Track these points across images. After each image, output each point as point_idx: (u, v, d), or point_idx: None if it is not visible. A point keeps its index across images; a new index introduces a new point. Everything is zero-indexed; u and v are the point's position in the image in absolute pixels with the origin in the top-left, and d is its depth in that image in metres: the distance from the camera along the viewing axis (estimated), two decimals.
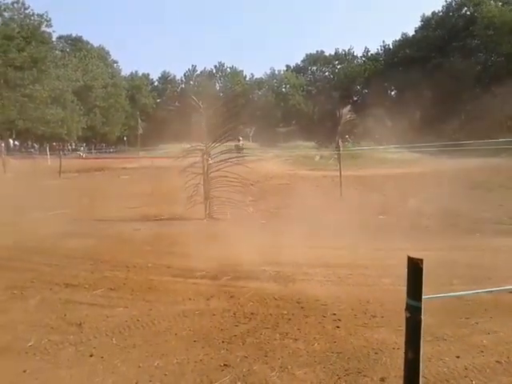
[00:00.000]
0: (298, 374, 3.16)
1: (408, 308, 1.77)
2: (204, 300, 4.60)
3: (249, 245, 6.96)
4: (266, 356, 3.42)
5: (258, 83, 64.71)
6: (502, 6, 43.63)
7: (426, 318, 3.84)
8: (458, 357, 3.31)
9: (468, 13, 46.61)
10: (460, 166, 17.84)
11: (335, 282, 5.08)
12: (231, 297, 4.65)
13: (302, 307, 4.35)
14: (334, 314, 4.14)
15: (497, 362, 3.24)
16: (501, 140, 19.72)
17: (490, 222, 8.32)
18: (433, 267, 5.31)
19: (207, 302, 4.54)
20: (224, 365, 3.30)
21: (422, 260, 1.74)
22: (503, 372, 3.11)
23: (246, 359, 3.38)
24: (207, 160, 9.65)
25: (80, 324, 4.09)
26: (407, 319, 1.78)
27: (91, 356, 3.52)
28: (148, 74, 70.05)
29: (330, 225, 8.49)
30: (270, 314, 4.20)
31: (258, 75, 66.64)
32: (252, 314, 4.21)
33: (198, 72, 69.61)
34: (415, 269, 1.75)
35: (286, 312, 4.23)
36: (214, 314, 4.23)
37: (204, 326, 4.00)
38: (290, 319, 4.08)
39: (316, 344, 3.59)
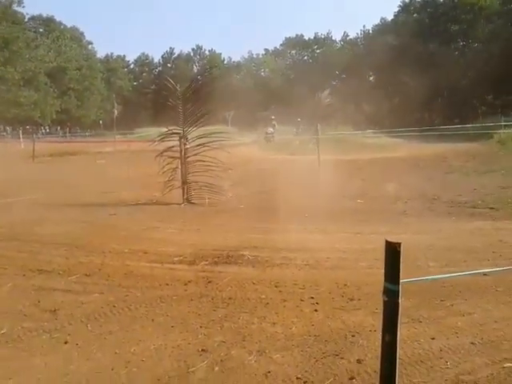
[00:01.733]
0: (275, 357, 3.15)
1: (386, 292, 1.76)
2: (181, 285, 4.55)
3: (227, 229, 6.94)
4: (243, 340, 3.41)
5: (237, 67, 64.13)
6: None
7: (403, 301, 3.88)
8: (433, 338, 3.35)
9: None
10: (437, 151, 18.12)
11: (313, 266, 5.09)
12: (209, 282, 4.62)
13: (280, 291, 4.34)
14: (312, 298, 4.14)
15: (471, 343, 3.29)
16: (475, 125, 20.05)
17: (465, 205, 8.46)
18: (410, 250, 5.44)
19: (185, 288, 4.50)
20: (202, 350, 3.28)
21: (400, 244, 1.72)
22: (477, 353, 3.16)
23: (224, 344, 3.36)
24: (184, 144, 9.52)
25: (54, 311, 4.00)
26: (385, 303, 1.77)
27: (66, 343, 3.44)
28: (124, 56, 68.68)
29: (309, 209, 8.53)
30: (248, 299, 4.18)
31: (236, 59, 66.13)
32: (230, 298, 4.19)
33: (176, 55, 68.61)
34: (393, 252, 1.73)
35: (264, 296, 4.22)
36: (191, 300, 4.19)
37: (181, 311, 3.96)
38: (268, 303, 4.07)
39: (294, 327, 3.59)
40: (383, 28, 54.29)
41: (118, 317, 3.89)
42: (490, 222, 7.15)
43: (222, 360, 3.13)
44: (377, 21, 58.11)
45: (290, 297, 4.20)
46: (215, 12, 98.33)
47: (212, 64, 60.72)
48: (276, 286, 4.46)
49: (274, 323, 3.68)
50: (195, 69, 64.61)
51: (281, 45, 64.69)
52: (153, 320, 3.79)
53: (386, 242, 1.76)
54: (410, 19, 48.58)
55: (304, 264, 5.16)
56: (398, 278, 1.72)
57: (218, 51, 66.97)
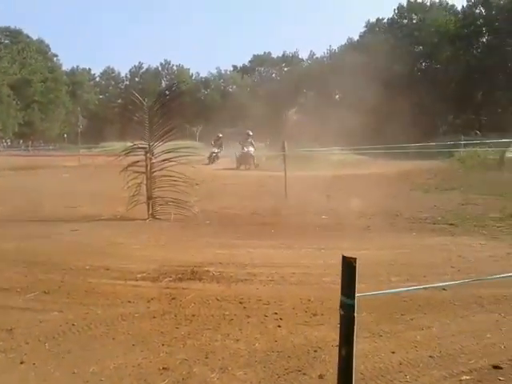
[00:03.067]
0: (238, 374, 3.13)
1: (342, 306, 1.79)
2: (144, 302, 4.48)
3: (192, 245, 6.89)
4: (206, 358, 3.38)
5: (205, 82, 64.33)
6: (448, 15, 45.90)
7: (364, 316, 3.97)
8: (393, 352, 3.41)
9: (414, 21, 48.54)
10: (401, 168, 18.60)
11: (278, 282, 5.11)
12: (172, 299, 4.56)
13: (245, 307, 4.33)
14: (276, 314, 4.15)
15: (429, 356, 3.37)
16: (438, 144, 20.74)
17: (426, 221, 8.69)
18: (373, 266, 5.54)
19: (147, 305, 4.42)
20: (163, 368, 3.22)
21: (355, 259, 1.77)
22: (435, 366, 3.23)
23: (186, 362, 3.32)
24: (150, 159, 9.44)
25: (11, 329, 3.85)
26: (341, 317, 1.80)
27: (22, 363, 3.32)
28: (89, 69, 67.83)
29: (275, 225, 8.58)
30: (212, 316, 4.15)
31: (204, 74, 66.34)
32: (193, 315, 4.14)
33: (144, 69, 68.30)
34: (349, 267, 1.77)
35: (228, 313, 4.19)
36: (154, 317, 4.13)
37: (143, 329, 3.89)
38: (231, 320, 4.05)
39: (257, 344, 3.59)
40: (349, 48, 55.76)
41: (78, 336, 3.78)
42: (450, 238, 7.37)
43: (183, 378, 3.09)
44: (343, 41, 59.69)
45: (254, 313, 4.20)
46: (184, 27, 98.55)
47: (180, 79, 60.75)
48: (240, 303, 4.45)
49: (238, 340, 3.66)
50: (163, 83, 64.45)
51: (249, 61, 65.47)
52: (113, 338, 3.71)
53: (343, 257, 1.80)
54: (376, 40, 50.13)
55: (269, 280, 5.17)
56: (354, 292, 1.76)
57: (186, 66, 67.15)
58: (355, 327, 1.80)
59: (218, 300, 4.53)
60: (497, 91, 29.26)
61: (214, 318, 4.11)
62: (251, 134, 25.36)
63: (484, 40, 42.49)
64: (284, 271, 5.43)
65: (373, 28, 52.80)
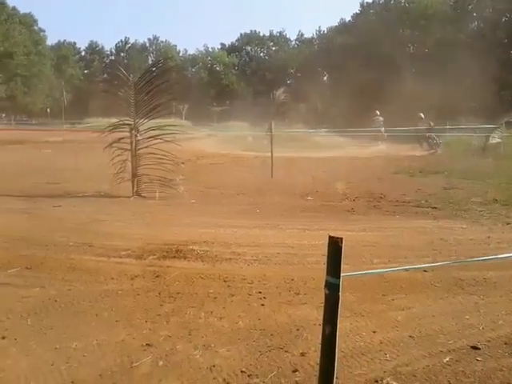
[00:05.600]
0: (221, 351, 3.16)
1: (327, 285, 1.81)
2: (128, 280, 4.47)
3: (177, 224, 6.87)
4: (189, 335, 3.39)
5: (192, 60, 63.40)
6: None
7: (347, 295, 4.02)
8: (374, 332, 3.47)
9: (403, 1, 48.15)
10: (386, 151, 18.72)
11: (262, 261, 5.13)
12: (157, 276, 4.56)
13: (229, 286, 4.35)
14: (260, 292, 4.18)
15: (409, 336, 3.43)
16: (422, 128, 20.83)
17: (409, 204, 8.77)
18: (356, 247, 5.59)
19: (131, 282, 4.41)
20: (146, 344, 3.23)
21: (341, 239, 1.77)
22: (415, 346, 3.29)
23: (170, 338, 3.33)
24: (135, 136, 9.32)
25: None
26: (326, 296, 1.82)
27: (3, 338, 3.30)
28: (75, 43, 66.20)
29: (260, 205, 8.59)
30: (196, 293, 4.16)
31: (192, 51, 65.28)
32: (178, 293, 4.15)
33: (130, 45, 66.93)
34: (335, 247, 1.78)
35: (212, 291, 4.21)
36: (137, 294, 4.12)
37: (127, 306, 3.89)
38: (215, 298, 4.07)
39: (240, 322, 3.61)
40: (338, 29, 55.23)
41: (60, 312, 3.76)
42: (432, 221, 7.46)
43: (166, 355, 3.10)
44: (332, 22, 59.11)
45: (238, 291, 4.22)
46: (173, 4, 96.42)
47: (167, 55, 59.73)
48: (225, 281, 4.47)
49: (221, 317, 3.68)
50: (150, 60, 63.29)
51: (236, 40, 64.55)
52: (96, 315, 3.70)
53: (329, 237, 1.80)
54: (366, 21, 49.64)
55: (253, 259, 5.19)
56: (339, 272, 1.77)
57: (173, 43, 65.97)
58: (339, 307, 1.82)
59: (202, 278, 4.54)
60: (486, 77, 29.48)
61: (198, 295, 4.12)
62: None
63: (474, 26, 42.66)
64: (268, 251, 5.46)
65: (367, 9, 52.15)
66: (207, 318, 3.68)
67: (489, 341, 3.38)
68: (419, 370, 2.97)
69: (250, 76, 57.79)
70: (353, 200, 9.24)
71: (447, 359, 3.10)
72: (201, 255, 5.27)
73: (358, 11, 53.27)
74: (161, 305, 3.91)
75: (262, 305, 3.94)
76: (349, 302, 3.93)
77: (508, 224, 7.23)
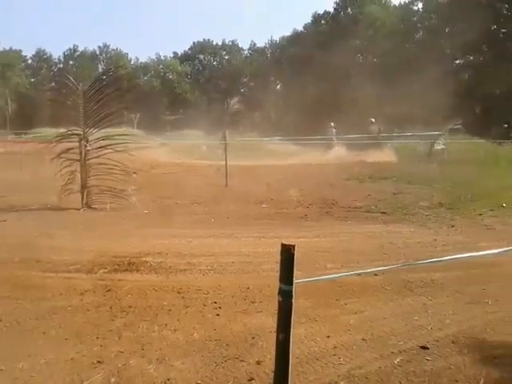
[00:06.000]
0: (175, 364, 3.10)
1: (280, 292, 1.82)
2: (77, 295, 4.31)
3: (129, 235, 6.72)
4: (142, 349, 3.31)
5: (144, 68, 62.52)
6: (383, 8, 47.45)
7: (301, 301, 4.06)
8: (328, 336, 3.52)
9: (351, 13, 49.59)
10: (338, 159, 19.12)
11: (217, 271, 5.11)
12: (108, 290, 4.42)
13: (183, 297, 4.30)
14: (215, 303, 4.15)
15: (362, 339, 3.51)
16: (371, 135, 21.47)
17: (360, 210, 9.01)
18: (310, 253, 5.66)
19: (81, 297, 4.27)
20: (97, 362, 3.13)
21: (293, 246, 1.79)
22: (367, 348, 3.37)
23: (122, 354, 3.24)
24: (85, 146, 9.07)
25: None
26: (280, 303, 1.83)
27: None
28: (21, 51, 63.70)
29: (215, 214, 8.55)
30: (150, 306, 4.08)
31: (143, 59, 64.31)
32: (130, 307, 4.05)
33: (79, 52, 65.18)
34: (287, 255, 1.80)
35: (166, 303, 4.14)
36: (87, 310, 3.99)
37: (76, 322, 3.76)
38: (170, 310, 4.00)
39: (195, 333, 3.57)
40: (291, 39, 56.13)
41: (5, 331, 3.58)
42: (382, 226, 7.70)
43: (118, 371, 3.01)
44: (284, 32, 59.95)
45: (192, 303, 4.17)
46: (122, 11, 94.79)
47: (118, 63, 58.59)
48: (179, 293, 4.40)
49: (176, 330, 3.62)
50: (100, 68, 61.84)
51: (189, 48, 64.26)
52: (44, 333, 3.55)
53: (282, 244, 1.82)
54: (317, 31, 50.71)
55: (208, 269, 5.15)
56: (292, 279, 1.78)
57: (124, 51, 64.79)
58: (293, 313, 1.83)
59: (155, 290, 4.45)
60: (431, 86, 30.87)
61: (152, 308, 4.04)
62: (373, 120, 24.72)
63: (419, 36, 44.52)
64: (224, 260, 5.43)
65: (318, 20, 53.27)
66: (161, 331, 3.61)
67: (437, 340, 3.51)
68: (372, 372, 3.04)
69: (204, 84, 57.65)
70: (306, 207, 9.38)
71: (398, 360, 3.19)
72: (154, 267, 5.17)
73: (309, 22, 54.42)
74: (112, 320, 3.80)
75: (218, 315, 3.92)
76: (303, 307, 3.97)
77: (453, 227, 7.57)
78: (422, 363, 3.18)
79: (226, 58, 62.36)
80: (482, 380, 2.96)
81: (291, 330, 1.83)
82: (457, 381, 2.97)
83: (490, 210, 8.71)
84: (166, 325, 3.70)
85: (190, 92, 56.93)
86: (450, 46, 38.75)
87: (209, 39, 63.29)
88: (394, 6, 47.77)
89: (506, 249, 5.09)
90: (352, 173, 14.89)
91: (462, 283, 4.74)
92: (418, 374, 3.03)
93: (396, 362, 3.18)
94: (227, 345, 3.38)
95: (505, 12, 36.88)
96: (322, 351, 3.30)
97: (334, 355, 3.25)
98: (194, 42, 63.66)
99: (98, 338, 3.47)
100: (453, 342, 3.47)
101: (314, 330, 3.63)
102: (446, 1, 40.99)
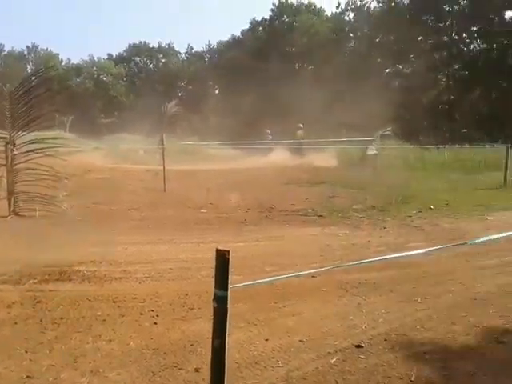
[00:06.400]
0: (110, 376, 3.00)
1: (215, 298, 1.81)
2: (3, 308, 4.05)
3: (61, 244, 6.42)
4: (75, 362, 3.17)
5: (76, 69, 60.17)
6: (317, 18, 48.80)
7: (240, 306, 4.06)
8: (267, 340, 3.55)
9: (287, 20, 50.59)
10: (276, 163, 19.38)
11: (155, 278, 5.00)
12: (37, 302, 4.19)
13: (119, 306, 4.16)
14: (152, 311, 4.06)
15: (300, 341, 3.56)
16: (310, 141, 22.01)
17: (298, 213, 9.19)
18: (249, 257, 5.69)
19: (8, 310, 4.01)
20: (27, 376, 2.96)
21: (228, 251, 1.79)
22: (305, 349, 3.43)
23: (53, 367, 3.08)
24: (12, 150, 8.57)
25: None
26: (215, 309, 1.81)
27: None
28: None
29: (153, 220, 8.39)
30: (83, 317, 3.92)
31: (76, 61, 61.85)
32: (62, 318, 3.86)
33: (6, 52, 61.64)
34: (222, 260, 1.79)
35: (100, 313, 3.99)
36: (15, 323, 3.76)
37: (3, 336, 3.53)
38: (104, 320, 3.86)
39: (132, 343, 3.47)
40: (229, 44, 56.31)
41: None
42: (319, 229, 7.90)
43: None
44: (221, 37, 59.97)
45: (128, 312, 4.05)
46: (54, 11, 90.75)
47: (48, 64, 55.98)
48: (114, 302, 4.26)
49: (111, 340, 3.50)
50: (29, 68, 58.77)
51: (125, 50, 62.66)
52: None
53: (216, 249, 1.81)
54: (254, 38, 51.22)
55: (145, 277, 5.04)
56: (227, 284, 1.78)
57: (55, 52, 62.02)
58: (228, 319, 1.83)
59: (89, 300, 4.28)
60: (364, 94, 32.19)
61: (85, 319, 3.88)
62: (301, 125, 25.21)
63: (351, 45, 46.25)
64: (161, 267, 5.34)
65: (255, 27, 53.83)
66: (95, 342, 3.48)
67: (371, 339, 3.64)
68: (309, 373, 3.09)
69: (140, 87, 56.31)
70: (246, 211, 9.43)
71: (334, 360, 3.28)
72: (88, 276, 4.98)
73: (247, 28, 54.85)
74: (42, 332, 3.61)
75: (155, 323, 3.83)
76: (242, 312, 3.99)
77: (385, 228, 7.91)
78: (357, 361, 3.28)
79: (163, 61, 61.41)
80: (414, 376, 3.10)
81: (226, 336, 1.83)
82: (389, 377, 3.09)
83: (419, 212, 9.19)
84: (100, 335, 3.57)
85: (126, 95, 55.44)
86: (381, 56, 40.54)
87: (145, 42, 62.08)
88: (327, 15, 49.22)
89: (432, 248, 5.40)
90: (290, 177, 15.15)
91: (394, 282, 4.96)
92: (353, 373, 3.13)
93: (332, 361, 3.26)
94: (165, 353, 3.32)
95: (431, 24, 39.13)
96: (260, 355, 3.32)
97: (273, 358, 3.28)
98: (129, 44, 62.17)
99: (27, 351, 3.29)
100: (385, 340, 3.61)
101: (253, 334, 3.64)
102: (375, 13, 42.92)
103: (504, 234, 5.04)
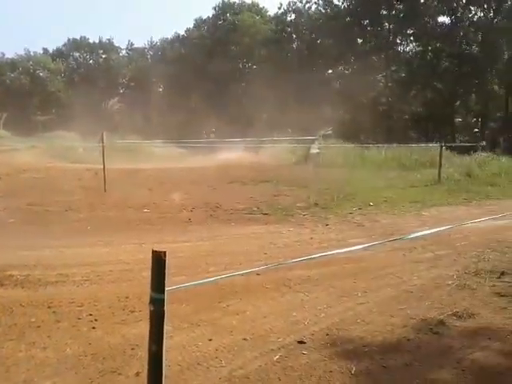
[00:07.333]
0: None
1: (152, 301, 1.75)
2: None
3: None
4: (7, 372, 3.00)
5: (11, 64, 57.01)
6: (259, 17, 49.08)
7: (183, 307, 4.00)
8: (210, 340, 3.52)
9: (230, 19, 50.51)
10: (221, 162, 19.30)
11: (94, 281, 4.82)
12: None
13: (54, 312, 3.98)
14: (91, 315, 3.91)
15: (243, 339, 3.56)
16: (253, 139, 22.07)
17: (243, 212, 9.20)
18: (193, 257, 5.63)
19: None
20: None
21: (165, 252, 1.74)
22: (248, 348, 3.43)
23: None
24: None
25: None
26: (151, 312, 1.76)
27: None
28: None
29: (92, 221, 8.10)
30: (15, 324, 3.71)
31: (10, 55, 58.58)
32: None
33: None
34: (158, 262, 1.74)
35: (34, 319, 3.79)
36: None
37: None
38: (39, 327, 3.68)
39: (68, 349, 3.32)
40: (172, 42, 55.40)
41: None
42: (264, 226, 7.96)
43: None
44: (164, 34, 58.84)
45: (65, 317, 3.88)
46: None
47: None
48: (49, 307, 4.07)
49: (45, 348, 3.34)
50: None
51: (63, 45, 60.08)
52: None
53: (152, 251, 1.76)
54: (199, 36, 50.71)
55: (84, 280, 4.85)
56: (164, 286, 1.73)
57: None
58: (165, 322, 1.78)
59: (22, 306, 4.07)
60: (309, 95, 32.83)
61: (18, 326, 3.68)
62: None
63: (294, 46, 46.89)
64: (101, 269, 5.15)
65: (199, 25, 53.28)
66: (29, 350, 3.30)
67: (313, 334, 3.70)
68: (252, 372, 3.09)
69: (79, 84, 54.21)
70: (190, 210, 9.31)
71: (277, 357, 3.30)
72: (21, 281, 4.72)
73: (191, 26, 54.26)
74: None
75: (94, 328, 3.69)
76: (186, 313, 3.94)
77: (327, 225, 8.08)
78: (299, 357, 3.32)
79: (104, 56, 59.45)
80: (354, 369, 3.18)
81: (164, 339, 1.78)
82: (331, 371, 3.16)
83: (359, 209, 9.47)
84: (34, 343, 3.40)
85: (64, 91, 53.20)
86: (322, 57, 41.46)
87: (85, 36, 59.85)
88: (270, 15, 49.62)
89: (371, 244, 5.58)
90: (235, 176, 15.15)
91: (335, 278, 5.08)
92: (295, 368, 3.16)
93: (275, 358, 3.28)
94: (104, 358, 3.20)
95: (369, 28, 40.48)
96: (203, 355, 3.28)
97: (216, 358, 3.25)
98: (68, 39, 59.71)
99: None
100: (327, 335, 3.68)
101: (197, 335, 3.60)
102: (315, 15, 43.79)
103: (437, 229, 5.30)
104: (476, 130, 37.34)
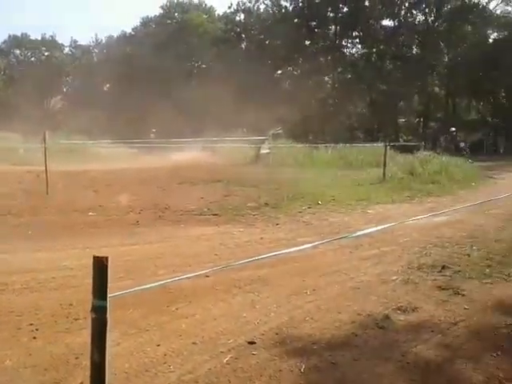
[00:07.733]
0: None
1: (94, 309, 1.68)
2: None
3: None
4: None
5: None
6: (207, 16, 48.89)
7: (131, 312, 3.91)
8: (158, 345, 3.44)
9: (177, 18, 49.90)
10: (171, 162, 19.03)
11: (35, 289, 4.60)
12: None
13: None
14: (32, 324, 3.73)
15: (193, 343, 3.51)
16: (208, 139, 21.91)
17: (193, 213, 9.09)
18: (141, 260, 5.50)
19: None
20: None
21: (107, 258, 1.67)
22: (198, 351, 3.39)
23: None
24: None
25: None
26: (93, 320, 1.69)
27: None
28: None
29: (33, 225, 7.74)
30: None
31: None
32: None
33: None
34: (100, 267, 1.68)
35: None
36: None
37: None
38: None
39: (7, 361, 3.15)
40: (119, 40, 54.01)
41: None
42: (214, 227, 7.90)
43: None
44: (109, 32, 57.20)
45: (3, 327, 3.68)
46: None
47: None
48: None
49: None
50: None
51: (3, 42, 57.15)
52: None
53: (94, 257, 1.69)
54: (146, 34, 49.70)
55: (23, 288, 4.61)
56: (106, 293, 1.67)
57: None
58: (108, 330, 1.71)
59: None
60: (259, 95, 33.00)
61: None
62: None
63: (243, 46, 46.98)
64: (42, 276, 4.92)
65: (147, 24, 52.25)
66: None
67: (263, 334, 3.71)
68: (202, 375, 3.06)
69: (20, 82, 51.72)
70: (138, 212, 9.10)
71: (227, 359, 3.28)
72: None
73: (138, 24, 53.12)
74: None
75: (34, 338, 3.53)
76: (133, 319, 3.84)
77: (277, 225, 8.15)
78: (250, 358, 3.32)
79: (46, 54, 57.09)
80: (303, 367, 3.21)
81: (106, 348, 1.71)
82: (281, 370, 3.17)
83: (309, 208, 9.62)
84: None
85: (4, 89, 50.64)
86: (271, 57, 41.81)
87: (26, 33, 57.19)
88: (218, 14, 49.54)
89: (318, 242, 5.68)
90: (186, 176, 14.97)
91: (285, 277, 5.13)
92: (245, 370, 3.15)
93: (225, 360, 3.26)
94: (45, 369, 3.06)
95: (316, 30, 41.25)
96: (151, 361, 3.21)
97: (165, 363, 3.19)
98: (9, 36, 56.84)
99: None
100: (277, 334, 3.70)
101: (144, 340, 3.51)
102: (263, 15, 44.17)
103: (381, 227, 5.47)
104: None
